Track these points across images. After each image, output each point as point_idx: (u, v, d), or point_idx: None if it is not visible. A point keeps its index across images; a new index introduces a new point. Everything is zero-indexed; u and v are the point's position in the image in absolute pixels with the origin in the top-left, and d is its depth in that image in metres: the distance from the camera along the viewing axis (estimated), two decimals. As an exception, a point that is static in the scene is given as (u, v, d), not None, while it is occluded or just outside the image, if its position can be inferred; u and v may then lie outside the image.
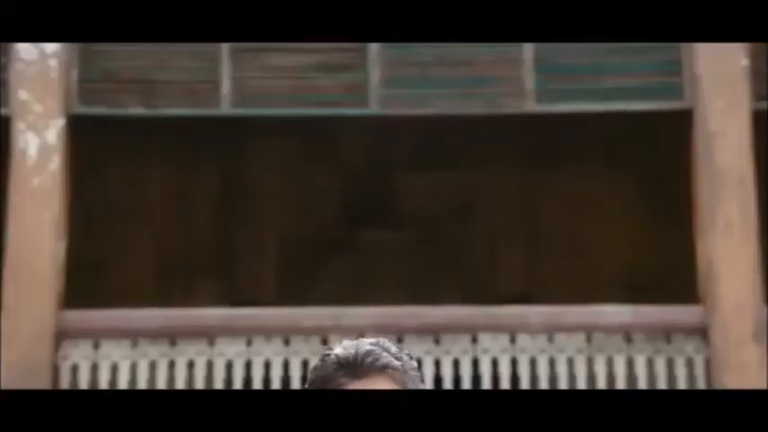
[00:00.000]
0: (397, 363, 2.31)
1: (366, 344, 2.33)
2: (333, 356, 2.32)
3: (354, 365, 2.27)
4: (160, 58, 7.50)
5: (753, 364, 7.13)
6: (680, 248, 8.08)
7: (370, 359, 2.28)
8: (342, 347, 2.33)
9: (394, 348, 2.36)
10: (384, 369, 2.29)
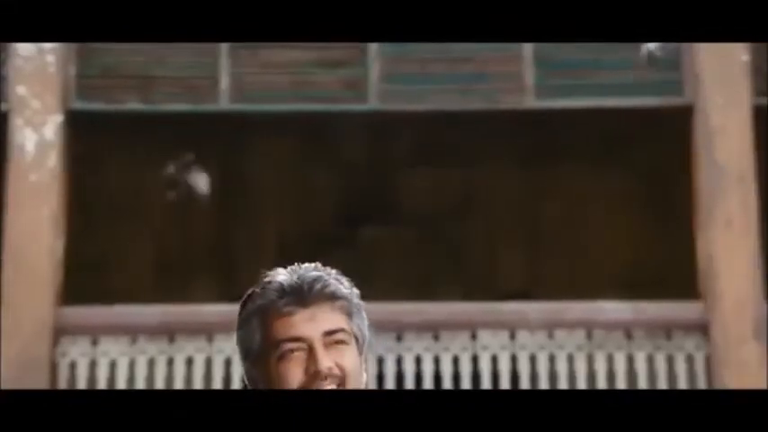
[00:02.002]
0: (345, 291, 2.22)
1: (311, 269, 2.22)
2: (276, 283, 2.20)
3: (301, 292, 2.17)
4: (158, 53, 7.48)
5: (753, 360, 7.12)
6: (680, 245, 8.07)
7: (318, 286, 2.18)
8: (284, 274, 2.22)
9: (337, 275, 2.24)
10: (333, 297, 2.19)
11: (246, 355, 2.23)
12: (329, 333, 2.17)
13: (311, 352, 2.15)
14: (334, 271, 2.25)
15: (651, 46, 7.42)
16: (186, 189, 10.14)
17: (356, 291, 2.26)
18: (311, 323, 2.17)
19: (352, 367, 2.18)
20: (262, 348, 2.19)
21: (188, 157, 9.90)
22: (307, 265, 2.24)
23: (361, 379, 2.21)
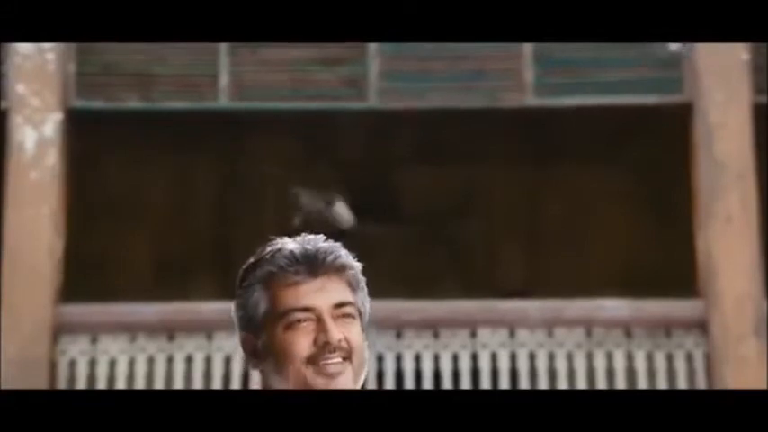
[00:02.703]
0: (354, 263, 2.20)
1: (320, 240, 2.19)
2: (286, 251, 2.17)
3: (313, 261, 2.14)
4: (158, 52, 7.48)
5: (753, 358, 7.12)
6: (680, 242, 8.06)
7: (330, 257, 2.15)
8: (293, 242, 2.18)
9: (342, 247, 2.22)
10: (342, 269, 2.17)
11: (247, 323, 2.18)
12: (338, 305, 2.14)
13: (320, 323, 2.11)
14: (338, 244, 2.22)
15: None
16: (186, 187, 10.14)
17: (359, 264, 2.23)
18: (321, 293, 2.13)
19: (359, 342, 2.15)
20: (267, 317, 2.14)
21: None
22: (313, 236, 2.21)
23: (366, 355, 2.18)
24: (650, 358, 7.27)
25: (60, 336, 7.25)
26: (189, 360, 7.31)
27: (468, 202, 10.15)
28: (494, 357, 7.29)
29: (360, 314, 2.19)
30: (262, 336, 2.14)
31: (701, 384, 7.21)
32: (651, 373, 7.24)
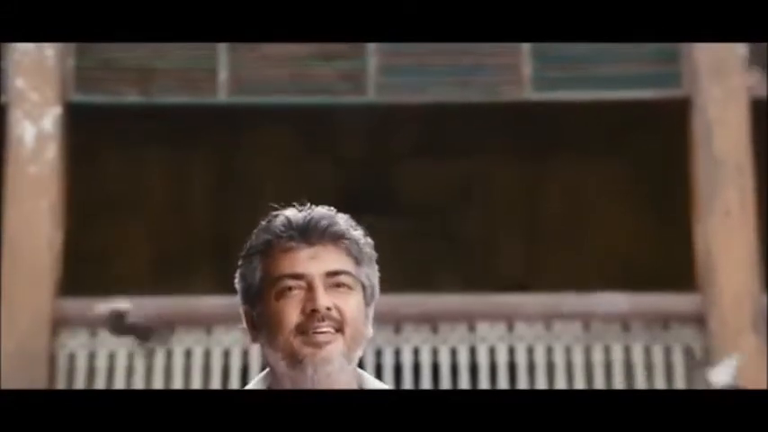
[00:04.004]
0: (354, 234, 2.12)
1: (321, 209, 2.14)
2: (282, 217, 2.12)
3: (306, 229, 2.08)
4: (157, 47, 7.48)
5: (751, 352, 7.13)
6: (678, 237, 8.07)
7: (325, 224, 2.09)
8: (292, 210, 2.14)
9: (350, 220, 2.16)
10: (340, 238, 2.09)
11: (246, 294, 2.12)
12: (332, 274, 2.07)
13: (310, 291, 2.05)
14: (347, 216, 2.16)
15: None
16: (185, 181, 10.15)
17: (370, 240, 2.17)
18: (313, 261, 2.07)
19: (354, 314, 2.07)
20: (261, 285, 2.09)
21: (187, 150, 9.86)
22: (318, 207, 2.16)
23: (365, 331, 2.11)
24: (648, 352, 7.28)
25: (59, 329, 7.26)
26: (188, 354, 7.32)
27: (466, 196, 10.16)
28: (492, 351, 7.30)
29: (363, 288, 2.12)
30: (257, 306, 2.09)
31: (699, 378, 7.22)
32: (649, 367, 7.25)
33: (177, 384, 7.20)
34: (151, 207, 10.05)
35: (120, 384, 7.20)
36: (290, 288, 2.05)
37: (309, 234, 2.09)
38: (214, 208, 10.13)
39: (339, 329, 2.04)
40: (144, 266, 9.69)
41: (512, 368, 7.27)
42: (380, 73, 7.55)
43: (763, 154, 7.69)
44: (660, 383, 7.21)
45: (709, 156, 7.39)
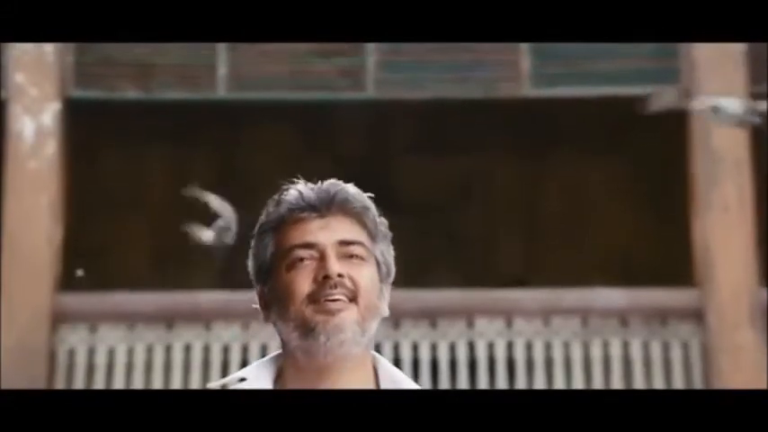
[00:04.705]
0: (368, 207, 2.08)
1: (334, 182, 2.08)
2: (294, 191, 2.05)
3: (320, 200, 2.03)
4: (156, 43, 7.49)
5: (748, 347, 7.14)
6: (676, 232, 8.08)
7: (337, 195, 2.04)
8: (303, 184, 2.07)
9: (363, 194, 2.10)
10: (352, 210, 2.05)
11: (258, 272, 2.07)
12: (344, 243, 2.02)
13: (322, 260, 1.99)
14: (360, 190, 2.11)
15: None
16: (184, 177, 10.15)
17: (384, 220, 2.12)
18: (325, 230, 2.02)
19: (368, 285, 2.03)
20: (272, 260, 2.04)
21: (186, 145, 9.86)
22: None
23: (380, 305, 2.07)
24: (646, 347, 7.29)
25: (59, 325, 7.27)
26: (187, 349, 7.33)
27: (465, 192, 10.17)
28: (491, 346, 7.31)
29: (378, 264, 2.08)
30: (269, 282, 2.04)
31: (697, 373, 7.24)
32: (647, 362, 7.26)
33: (176, 379, 7.21)
34: (150, 202, 10.05)
35: (119, 379, 7.21)
36: (301, 259, 2.00)
37: (321, 205, 2.03)
38: (213, 203, 10.12)
39: (352, 299, 2.00)
40: (143, 261, 9.70)
41: (510, 363, 7.28)
42: (379, 69, 7.56)
43: (761, 149, 7.70)
44: (658, 378, 7.22)
45: (707, 151, 7.40)
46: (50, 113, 7.40)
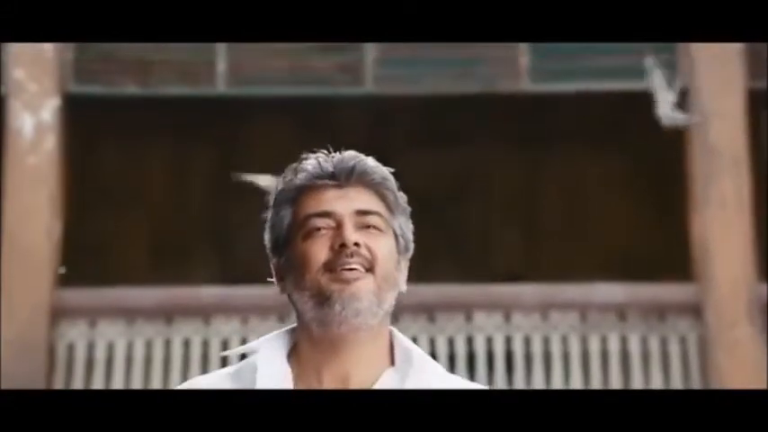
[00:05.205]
0: (388, 179, 2.06)
1: (353, 153, 2.08)
2: (312, 160, 2.04)
3: (338, 169, 2.01)
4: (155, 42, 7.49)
5: (747, 342, 7.15)
6: (675, 227, 8.10)
7: (356, 165, 2.03)
8: (322, 154, 2.06)
9: (382, 167, 2.09)
10: (371, 180, 2.03)
11: (275, 245, 2.03)
12: (362, 213, 1.99)
13: (339, 228, 1.96)
14: (380, 164, 2.08)
15: None
16: (184, 172, 10.16)
17: (404, 195, 2.09)
18: (342, 200, 1.99)
19: (385, 255, 1.99)
20: (289, 230, 2.00)
21: (185, 141, 9.87)
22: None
23: (397, 276, 2.04)
24: (644, 342, 7.31)
25: (58, 320, 7.28)
26: (187, 344, 7.34)
27: (464, 187, 10.18)
28: (489, 341, 7.33)
29: (396, 237, 2.03)
30: (285, 252, 2.00)
31: (695, 368, 7.25)
32: (645, 357, 7.28)
33: (175, 375, 7.22)
34: (150, 198, 10.07)
35: (118, 374, 7.23)
36: (318, 228, 1.97)
37: (340, 175, 2.02)
38: (212, 199, 10.15)
39: (369, 269, 1.96)
40: (143, 256, 9.71)
41: (508, 358, 7.29)
42: (378, 64, 7.56)
43: (759, 144, 7.72)
44: (656, 374, 7.23)
45: (705, 146, 7.41)
46: (50, 109, 7.41)
